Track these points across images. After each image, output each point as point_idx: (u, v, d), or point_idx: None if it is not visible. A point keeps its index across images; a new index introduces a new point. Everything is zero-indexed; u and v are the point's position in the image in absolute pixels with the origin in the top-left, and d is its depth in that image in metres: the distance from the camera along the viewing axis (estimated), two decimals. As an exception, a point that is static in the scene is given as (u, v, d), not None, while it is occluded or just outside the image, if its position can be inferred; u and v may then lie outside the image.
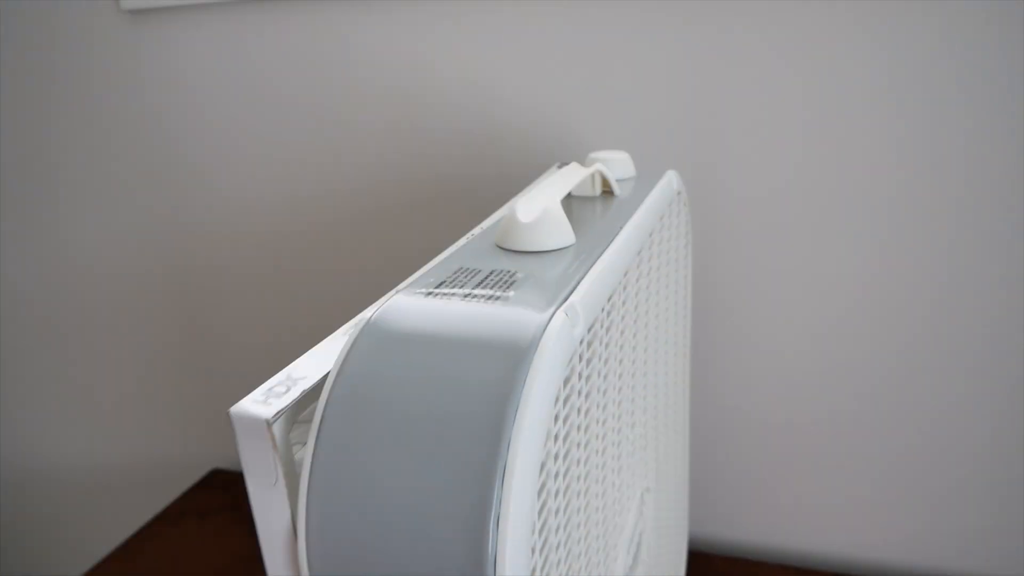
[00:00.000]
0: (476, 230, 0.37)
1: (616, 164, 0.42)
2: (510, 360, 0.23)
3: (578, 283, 0.27)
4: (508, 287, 0.27)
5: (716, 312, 0.60)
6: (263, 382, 0.76)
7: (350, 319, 0.70)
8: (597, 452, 0.30)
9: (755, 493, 0.65)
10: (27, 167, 0.77)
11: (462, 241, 0.34)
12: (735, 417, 0.63)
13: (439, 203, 0.65)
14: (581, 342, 0.26)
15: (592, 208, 0.37)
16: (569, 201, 0.39)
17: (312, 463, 0.23)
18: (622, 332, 0.33)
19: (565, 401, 0.26)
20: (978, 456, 0.59)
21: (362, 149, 0.65)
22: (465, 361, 0.23)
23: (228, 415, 0.82)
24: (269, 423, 0.22)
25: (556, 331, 0.24)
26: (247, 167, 0.70)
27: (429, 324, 0.24)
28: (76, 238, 0.78)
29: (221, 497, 0.78)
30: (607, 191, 0.40)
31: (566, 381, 0.25)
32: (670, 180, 0.44)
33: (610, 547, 0.34)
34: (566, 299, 0.26)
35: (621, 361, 0.33)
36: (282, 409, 0.23)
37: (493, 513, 0.21)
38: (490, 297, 0.26)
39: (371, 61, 0.62)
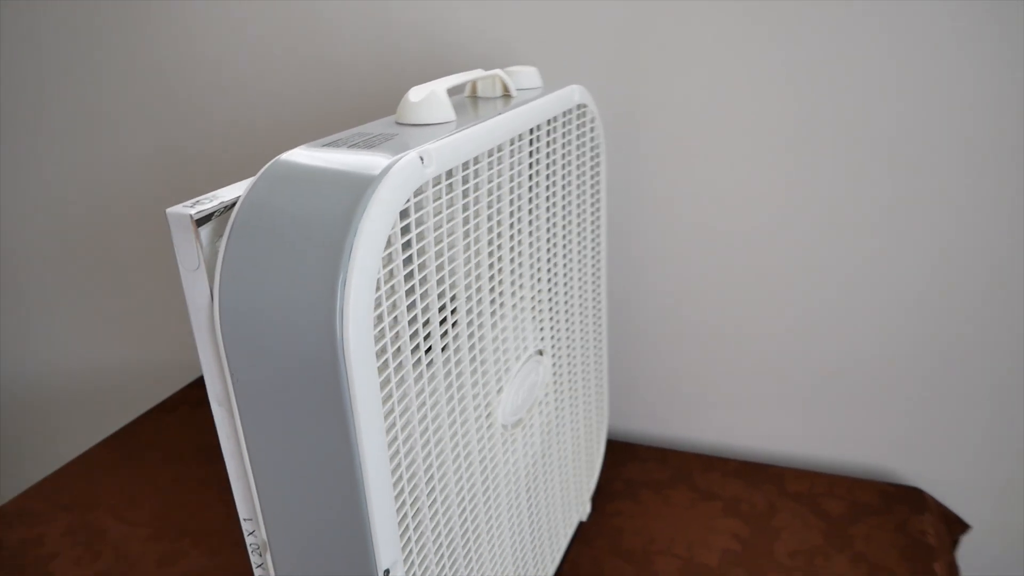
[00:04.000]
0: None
1: (522, 75, 0.50)
2: (360, 185, 0.31)
3: (433, 142, 0.35)
4: (384, 142, 0.35)
5: (636, 224, 0.68)
6: None
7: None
8: (467, 284, 0.38)
9: (671, 392, 0.73)
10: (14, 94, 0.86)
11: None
12: (654, 323, 0.71)
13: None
14: (436, 183, 0.35)
15: (492, 104, 0.45)
16: (475, 100, 0.47)
17: (223, 255, 0.31)
18: (498, 199, 0.41)
19: (419, 224, 0.34)
20: (861, 362, 0.66)
21: (280, 89, 0.73)
22: (329, 188, 0.31)
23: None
24: (192, 218, 0.31)
25: (404, 164, 0.32)
26: (194, 95, 0.78)
27: (310, 164, 0.33)
28: (64, 163, 0.88)
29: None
30: (507, 95, 0.48)
31: (420, 208, 0.33)
32: (572, 92, 0.51)
33: (492, 374, 0.43)
34: (412, 147, 0.34)
35: (497, 221, 0.41)
36: (203, 211, 0.31)
37: (339, 290, 0.29)
38: (365, 147, 0.34)
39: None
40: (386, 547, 0.34)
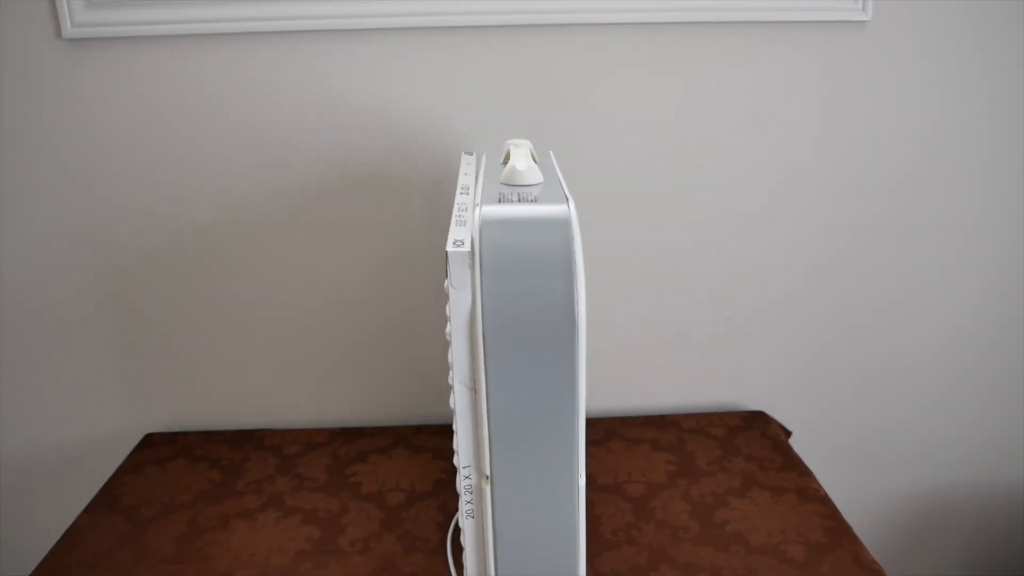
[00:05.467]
0: (465, 183, 0.63)
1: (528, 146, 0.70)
2: (566, 223, 0.49)
3: (566, 192, 0.54)
4: (535, 198, 0.53)
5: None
6: (182, 356, 0.92)
7: (290, 294, 0.90)
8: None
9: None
10: (-50, 180, 0.85)
11: (473, 189, 0.60)
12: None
13: (367, 188, 0.87)
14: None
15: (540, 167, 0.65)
16: (513, 166, 0.66)
17: (483, 277, 0.48)
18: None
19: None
20: (715, 331, 0.95)
21: (295, 152, 0.86)
22: (544, 227, 0.49)
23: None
24: (471, 254, 0.47)
25: (574, 209, 0.51)
26: (181, 170, 0.86)
27: (515, 214, 0.50)
28: (8, 239, 0.88)
29: (169, 450, 0.92)
30: (534, 159, 0.68)
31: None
32: (552, 155, 0.72)
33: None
34: (567, 199, 0.53)
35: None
36: (471, 249, 0.47)
37: (576, 290, 0.48)
38: (532, 200, 0.52)
39: (301, 86, 0.83)
40: (582, 458, 0.52)
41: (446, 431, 0.95)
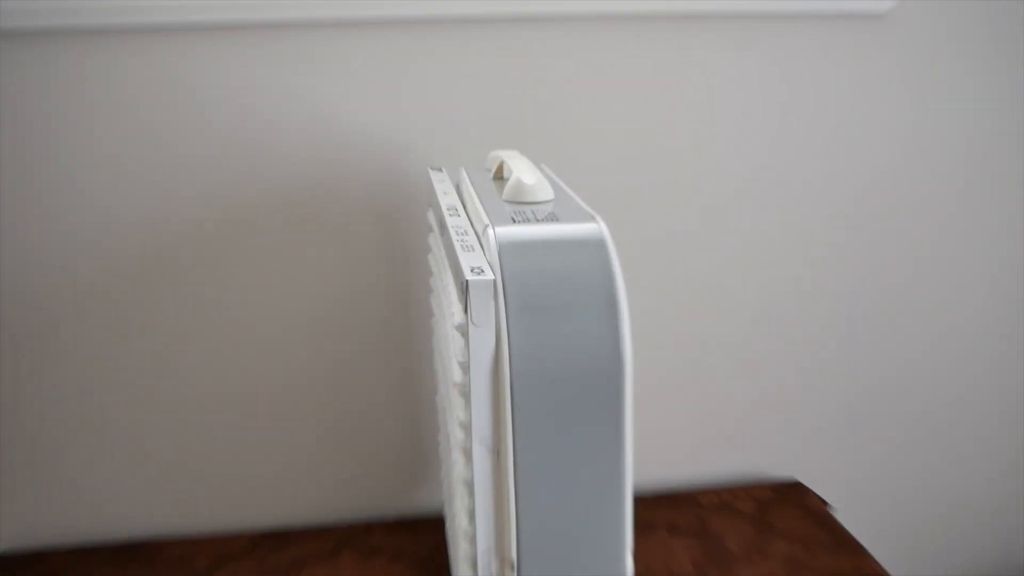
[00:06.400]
0: (451, 204, 0.65)
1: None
2: (602, 244, 0.52)
3: (588, 210, 0.57)
4: (554, 216, 0.56)
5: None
6: (41, 450, 0.90)
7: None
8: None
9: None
10: None
11: (464, 209, 0.63)
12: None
13: (319, 210, 0.88)
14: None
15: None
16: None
17: (508, 310, 0.50)
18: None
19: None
20: (733, 397, 1.00)
21: (240, 168, 0.86)
22: (577, 250, 0.52)
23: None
24: (495, 282, 0.49)
25: (605, 226, 0.54)
26: (114, 192, 0.86)
27: (539, 235, 0.53)
28: None
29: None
30: (526, 173, 0.71)
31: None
32: (547, 168, 0.76)
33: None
34: (593, 216, 0.56)
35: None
36: (494, 278, 0.50)
37: (621, 323, 0.51)
38: (552, 219, 0.55)
39: (245, 92, 0.85)
40: (630, 539, 0.54)
41: (404, 527, 0.95)
